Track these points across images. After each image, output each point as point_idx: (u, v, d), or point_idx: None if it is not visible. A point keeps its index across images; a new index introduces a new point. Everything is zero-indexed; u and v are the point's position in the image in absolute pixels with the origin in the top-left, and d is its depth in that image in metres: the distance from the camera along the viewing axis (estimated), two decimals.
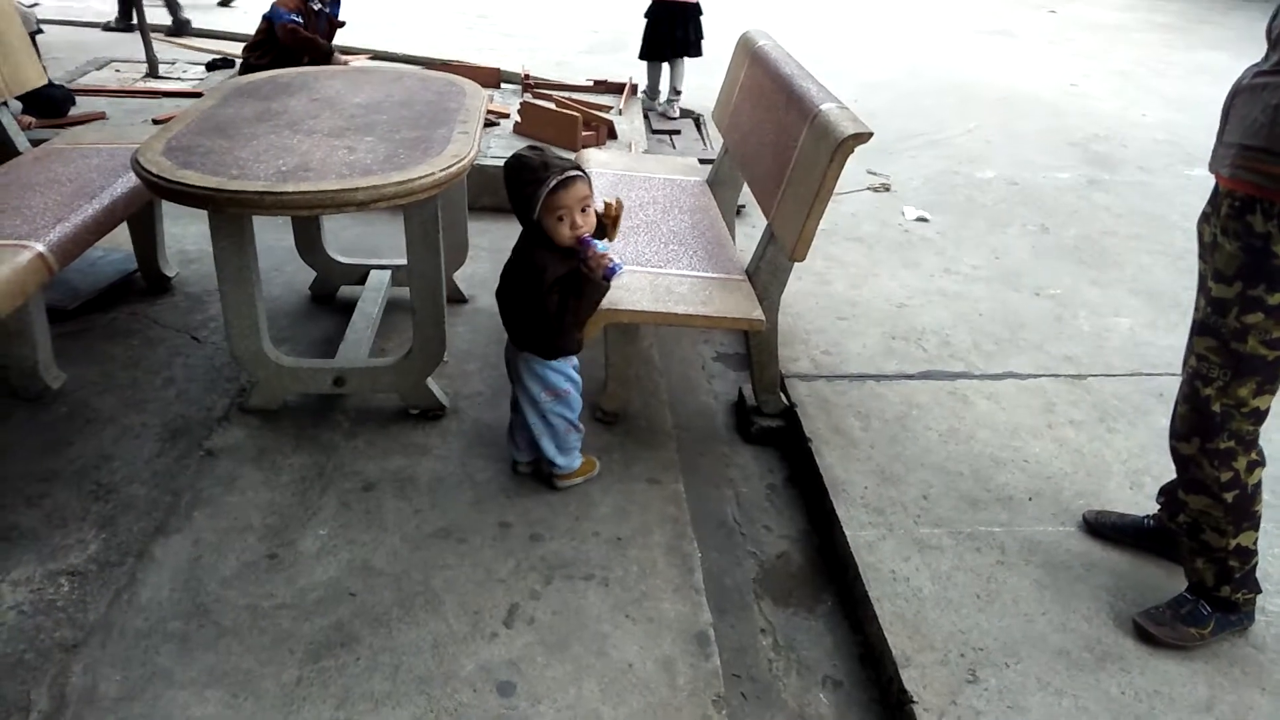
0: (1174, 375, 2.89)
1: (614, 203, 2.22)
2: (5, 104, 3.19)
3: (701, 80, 6.51)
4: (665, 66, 5.70)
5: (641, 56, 5.69)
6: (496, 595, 2.14)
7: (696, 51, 5.59)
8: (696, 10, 5.53)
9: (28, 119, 4.36)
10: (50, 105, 4.47)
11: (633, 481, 2.55)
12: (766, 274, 2.67)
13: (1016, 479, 2.55)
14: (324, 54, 4.72)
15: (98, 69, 5.63)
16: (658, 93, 5.78)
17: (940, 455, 2.64)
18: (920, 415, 2.82)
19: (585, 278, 2.15)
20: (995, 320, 3.45)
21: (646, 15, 5.58)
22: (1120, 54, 8.50)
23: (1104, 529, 2.34)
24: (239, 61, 5.07)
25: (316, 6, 4.64)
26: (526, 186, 2.10)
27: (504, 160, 2.21)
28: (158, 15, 6.67)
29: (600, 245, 2.15)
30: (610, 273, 2.13)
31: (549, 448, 2.40)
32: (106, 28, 7.24)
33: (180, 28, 7.09)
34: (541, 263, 2.15)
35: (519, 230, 2.24)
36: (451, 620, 2.07)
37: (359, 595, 2.12)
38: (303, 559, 2.22)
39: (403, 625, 2.05)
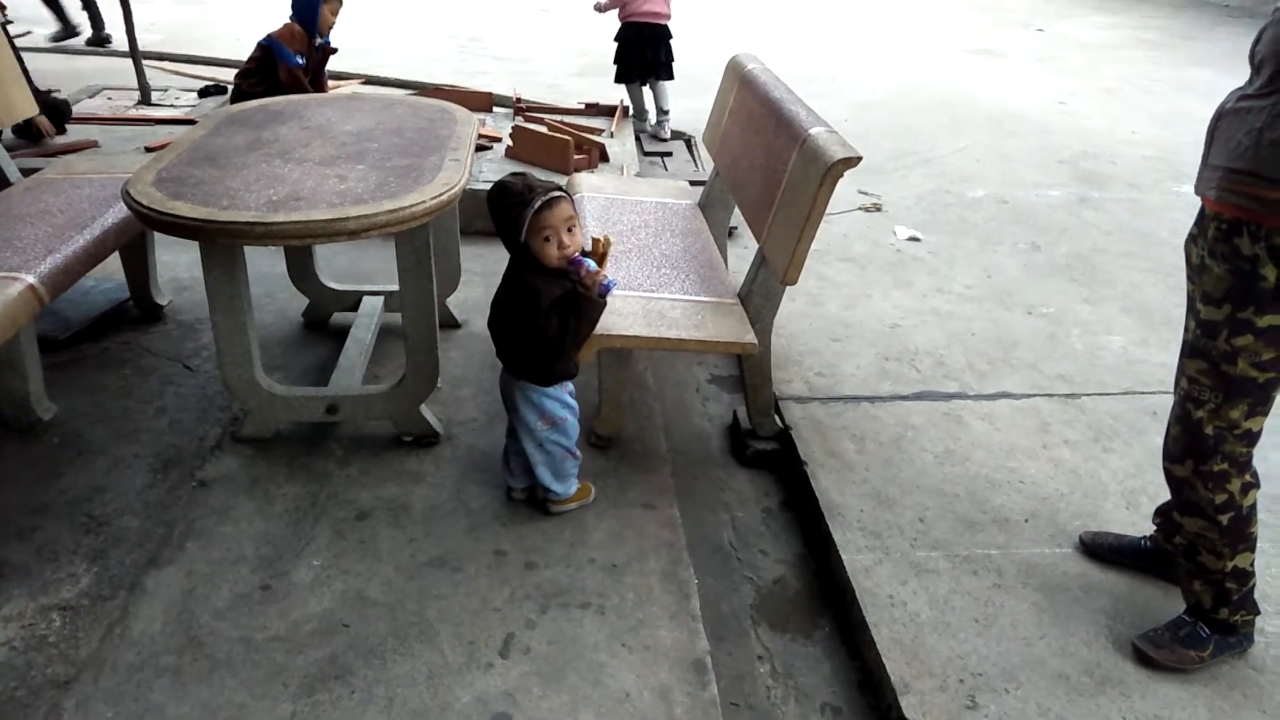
0: (1167, 393, 2.89)
1: (602, 239, 2.22)
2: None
3: (692, 103, 6.55)
4: (646, 88, 5.76)
5: (617, 80, 5.75)
6: (492, 625, 2.13)
7: (667, 74, 5.66)
8: (666, 32, 5.59)
9: (48, 124, 4.48)
10: (55, 113, 4.59)
11: (628, 507, 2.54)
12: (759, 297, 2.67)
13: (1013, 500, 2.55)
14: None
15: (90, 96, 5.64)
16: (645, 113, 5.82)
17: (936, 477, 2.64)
18: (915, 437, 2.82)
19: (583, 296, 2.15)
20: (988, 340, 3.45)
21: (616, 39, 5.65)
22: (1108, 71, 8.57)
23: (1101, 550, 2.33)
24: (231, 88, 5.06)
25: (318, 41, 4.63)
26: (512, 210, 2.11)
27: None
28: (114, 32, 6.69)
29: (590, 263, 2.16)
30: (605, 289, 2.14)
31: (545, 475, 2.39)
32: (53, 39, 7.51)
33: (101, 42, 7.45)
34: (535, 286, 2.15)
35: (510, 256, 2.24)
36: (446, 651, 2.05)
37: (353, 626, 2.10)
38: (296, 590, 2.20)
39: (397, 657, 2.03)
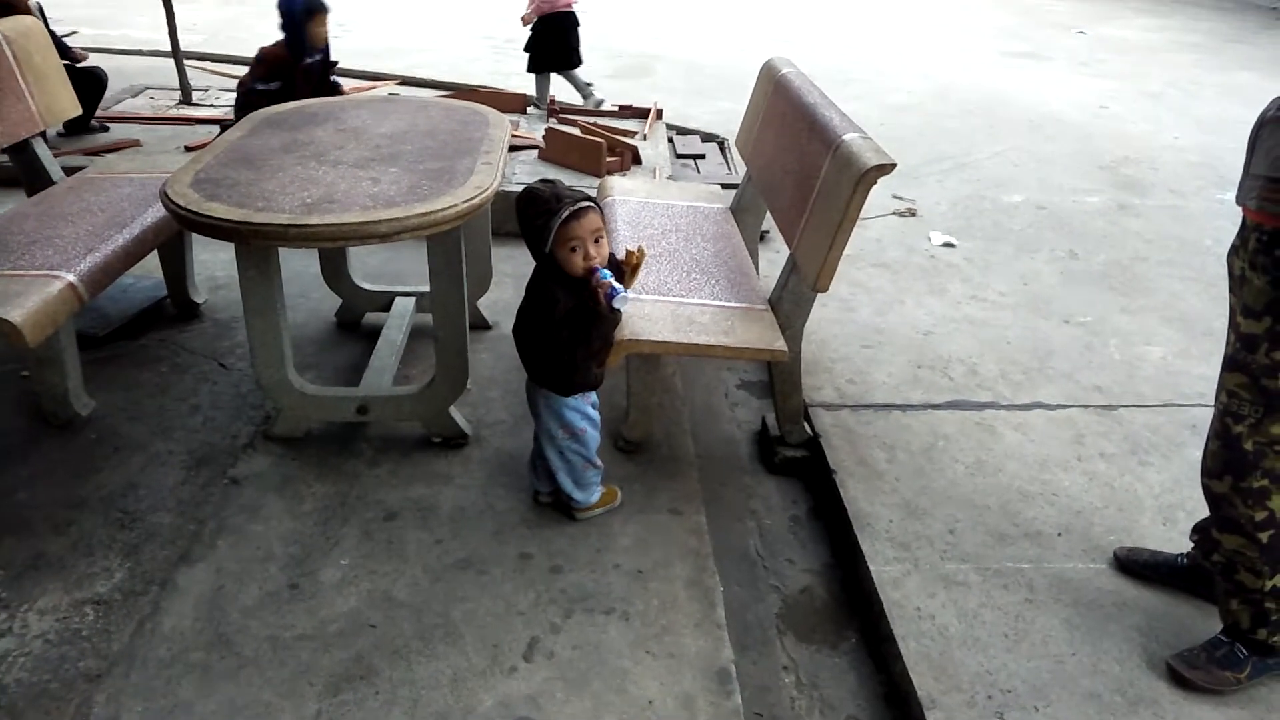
0: (1208, 406, 2.83)
1: (635, 251, 2.21)
2: (43, 134, 3.25)
3: (725, 104, 6.54)
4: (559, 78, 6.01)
5: (530, 70, 5.91)
6: (516, 628, 2.13)
7: (578, 60, 5.91)
8: (574, 20, 5.79)
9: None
10: (94, 84, 4.67)
11: (654, 513, 2.54)
12: (789, 304, 2.65)
13: (1045, 513, 2.51)
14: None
15: (133, 96, 5.74)
16: (547, 100, 5.94)
17: (967, 488, 2.60)
18: (947, 446, 2.79)
19: (593, 310, 2.14)
20: (1023, 349, 3.40)
21: (534, 29, 5.80)
22: (1150, 75, 8.42)
23: (1136, 567, 2.29)
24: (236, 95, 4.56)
25: (310, 59, 4.22)
26: (538, 218, 2.11)
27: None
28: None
29: (605, 274, 2.12)
30: (612, 296, 2.07)
31: (567, 483, 2.39)
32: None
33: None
34: (555, 295, 2.15)
35: (535, 263, 2.24)
36: (471, 654, 2.06)
37: (379, 627, 2.12)
38: (324, 589, 2.22)
39: (422, 658, 2.04)
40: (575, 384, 2.29)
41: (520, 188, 4.34)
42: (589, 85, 6.05)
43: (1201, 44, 10.14)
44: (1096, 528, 2.46)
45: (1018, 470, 2.68)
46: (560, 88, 6.13)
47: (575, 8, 5.80)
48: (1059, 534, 2.43)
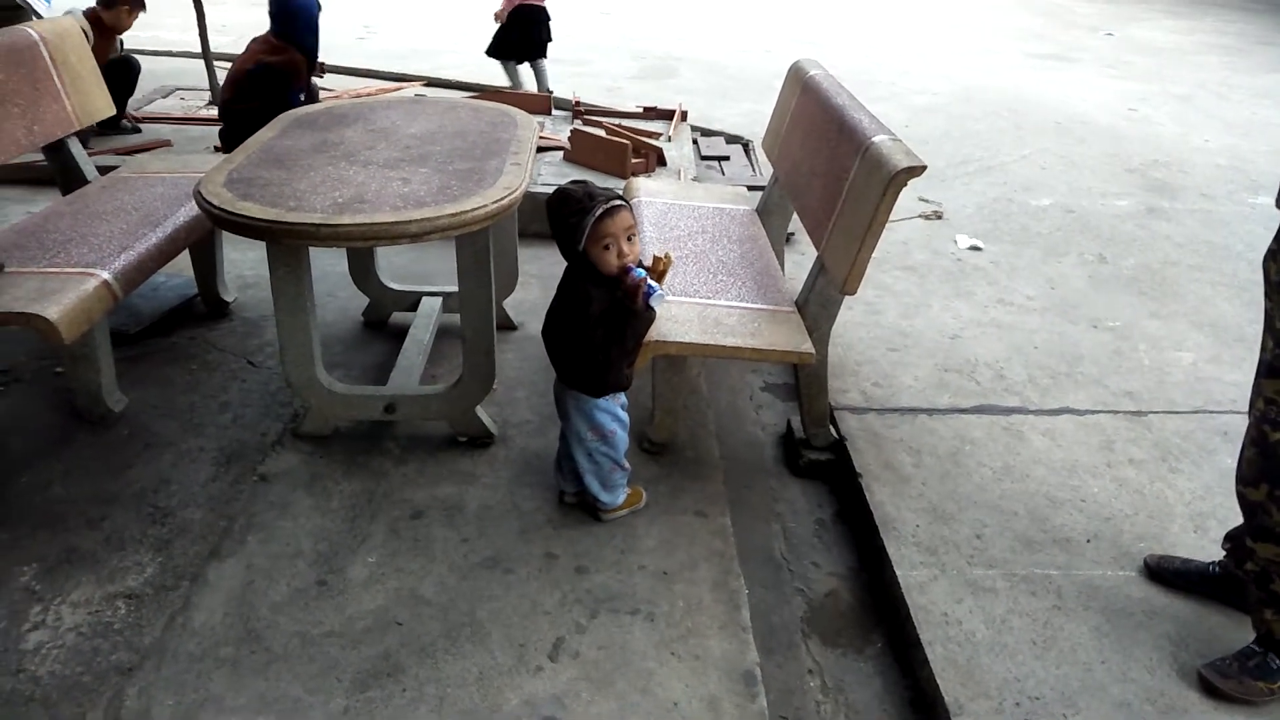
0: (1239, 413, 2.80)
1: (664, 256, 2.21)
2: (77, 134, 3.30)
3: (750, 106, 6.53)
4: (526, 68, 6.13)
5: (491, 54, 6.03)
6: (542, 628, 2.14)
7: (544, 52, 6.06)
8: (546, 14, 5.94)
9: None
10: (127, 72, 4.76)
11: (679, 514, 2.54)
12: (816, 306, 2.64)
13: (1074, 520, 2.49)
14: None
15: (164, 97, 5.81)
16: (519, 88, 6.05)
17: (994, 493, 2.58)
18: (974, 451, 2.77)
19: (628, 308, 2.15)
20: (1051, 353, 3.37)
21: (504, 20, 5.91)
22: (1180, 77, 8.33)
23: (1166, 575, 2.26)
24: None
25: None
26: (572, 216, 2.11)
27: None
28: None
29: (639, 271, 2.13)
30: (649, 295, 2.10)
31: (594, 484, 2.40)
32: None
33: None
34: (588, 294, 2.16)
35: (567, 263, 2.25)
36: (497, 652, 2.07)
37: (406, 625, 2.13)
38: (351, 586, 2.24)
39: (449, 657, 2.05)
40: (607, 384, 2.29)
41: (546, 189, 4.36)
42: (545, 77, 6.17)
43: (1232, 46, 10.01)
44: (1126, 535, 2.43)
45: (1046, 476, 2.66)
46: (586, 88, 6.15)
47: (548, 3, 5.96)
48: (1088, 540, 2.41)
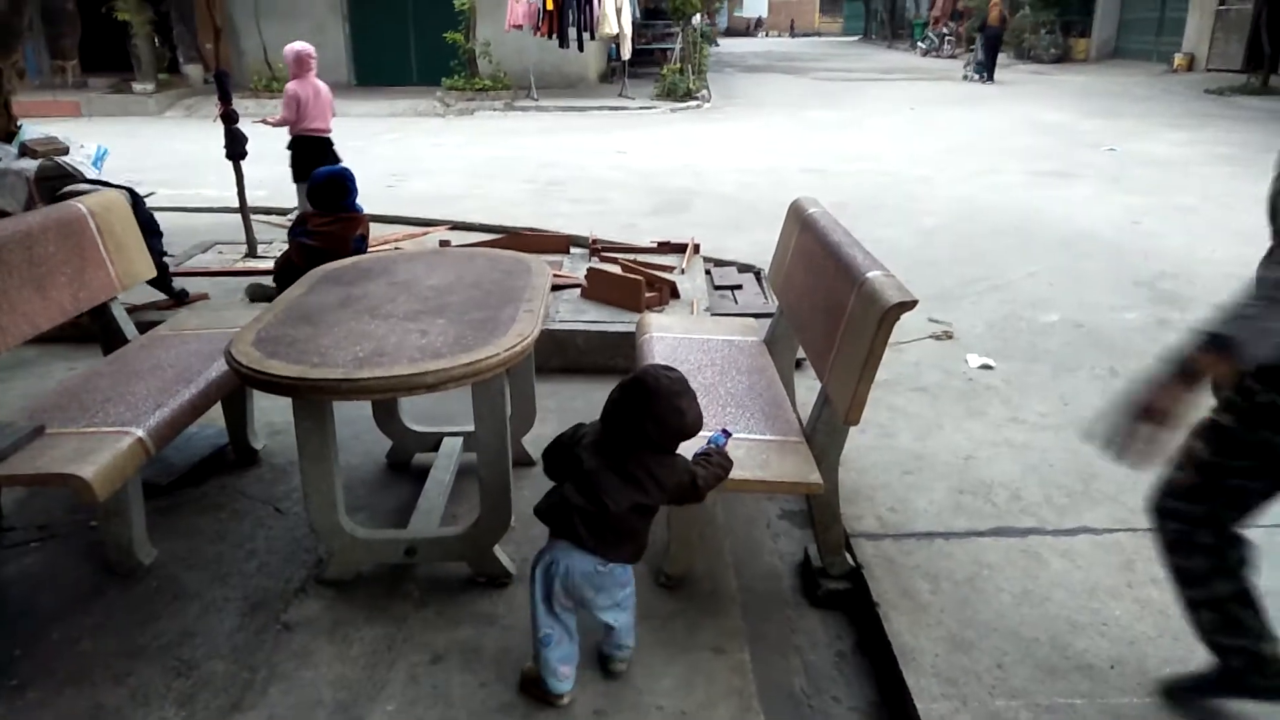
0: (1259, 526, 2.78)
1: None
2: (117, 298, 3.50)
3: (760, 235, 6.75)
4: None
5: (296, 180, 6.37)
6: None
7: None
8: (329, 143, 6.44)
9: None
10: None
11: (697, 651, 2.53)
12: (823, 436, 2.70)
13: (1097, 645, 2.45)
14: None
15: (203, 251, 6.13)
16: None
17: (1014, 619, 2.56)
18: (991, 575, 2.76)
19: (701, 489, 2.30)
20: (1067, 471, 3.38)
21: (290, 148, 6.38)
22: (1184, 188, 8.51)
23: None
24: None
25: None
26: (681, 399, 2.24)
27: (627, 381, 2.28)
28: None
29: (719, 438, 2.45)
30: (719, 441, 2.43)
31: (631, 630, 2.40)
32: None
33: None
34: (665, 469, 2.25)
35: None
36: None
37: None
38: None
39: None
40: (644, 546, 2.32)
41: (564, 326, 4.49)
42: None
43: (1235, 155, 10.25)
44: (1151, 659, 2.39)
45: (1066, 599, 2.64)
46: (604, 225, 6.40)
47: (333, 135, 6.44)
48: (1111, 666, 2.37)
